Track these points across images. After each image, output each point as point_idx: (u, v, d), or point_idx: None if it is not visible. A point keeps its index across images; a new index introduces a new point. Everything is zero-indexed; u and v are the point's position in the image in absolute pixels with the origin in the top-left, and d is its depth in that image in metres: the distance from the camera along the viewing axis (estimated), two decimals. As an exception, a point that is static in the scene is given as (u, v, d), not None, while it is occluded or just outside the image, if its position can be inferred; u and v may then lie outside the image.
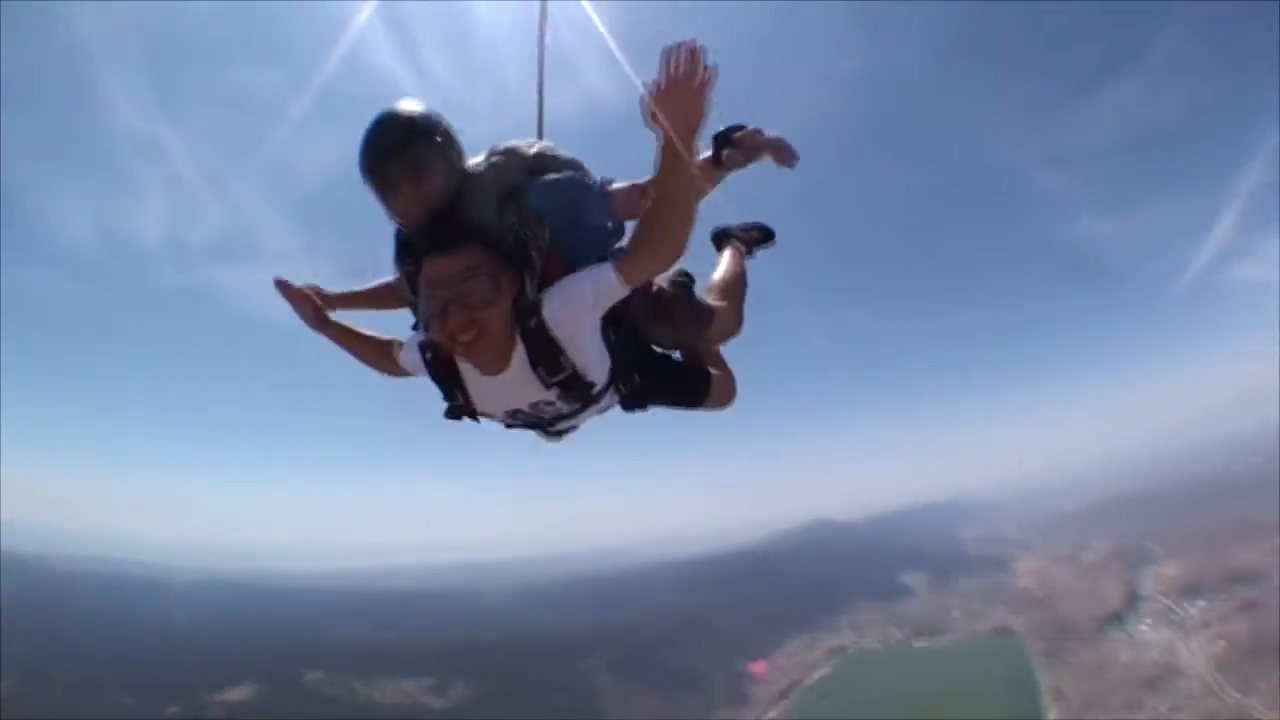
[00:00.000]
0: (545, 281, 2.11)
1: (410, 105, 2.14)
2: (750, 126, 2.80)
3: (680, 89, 1.79)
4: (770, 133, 2.79)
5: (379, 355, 2.58)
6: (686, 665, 75.68)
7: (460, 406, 2.32)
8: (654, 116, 1.83)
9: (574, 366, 2.15)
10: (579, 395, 2.25)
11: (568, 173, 2.29)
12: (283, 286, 2.58)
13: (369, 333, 2.66)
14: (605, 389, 2.37)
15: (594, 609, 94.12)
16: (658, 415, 2.76)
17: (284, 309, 2.64)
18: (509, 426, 2.51)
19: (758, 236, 3.34)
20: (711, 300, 2.87)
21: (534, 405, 2.30)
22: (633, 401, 2.58)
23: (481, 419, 2.42)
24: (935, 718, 56.45)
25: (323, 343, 2.68)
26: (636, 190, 2.37)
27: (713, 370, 2.90)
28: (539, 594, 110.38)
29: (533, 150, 2.30)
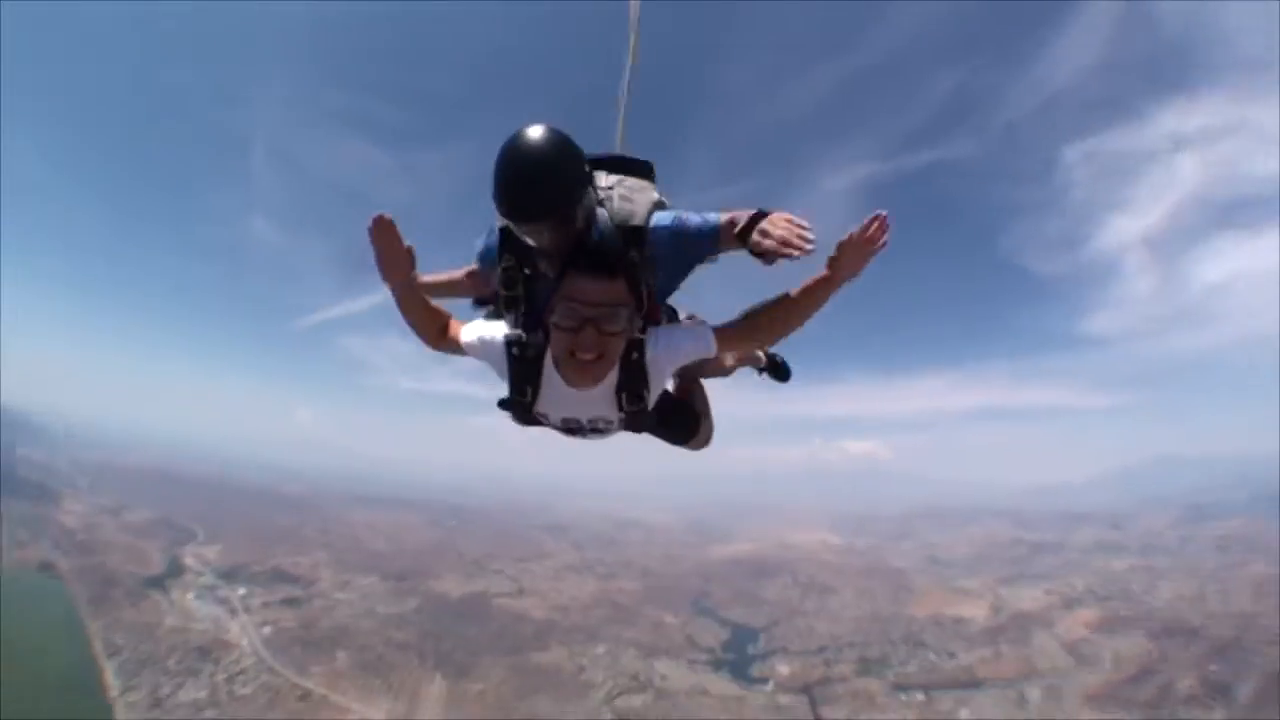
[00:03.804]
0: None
1: (557, 145, 2.07)
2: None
3: (865, 249, 2.19)
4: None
5: (433, 326, 2.49)
6: None
7: (519, 401, 2.42)
8: (839, 257, 2.19)
9: (648, 400, 2.46)
10: (635, 423, 2.57)
11: (681, 215, 2.41)
12: (385, 229, 2.17)
13: (434, 303, 2.51)
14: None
15: None
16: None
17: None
18: (555, 426, 2.62)
19: (778, 367, 3.79)
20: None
21: (592, 419, 2.52)
22: (634, 426, 2.74)
23: (530, 419, 2.54)
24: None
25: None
26: (730, 225, 2.29)
27: (703, 416, 3.24)
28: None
29: (655, 196, 2.53)
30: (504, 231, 2.35)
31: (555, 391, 2.39)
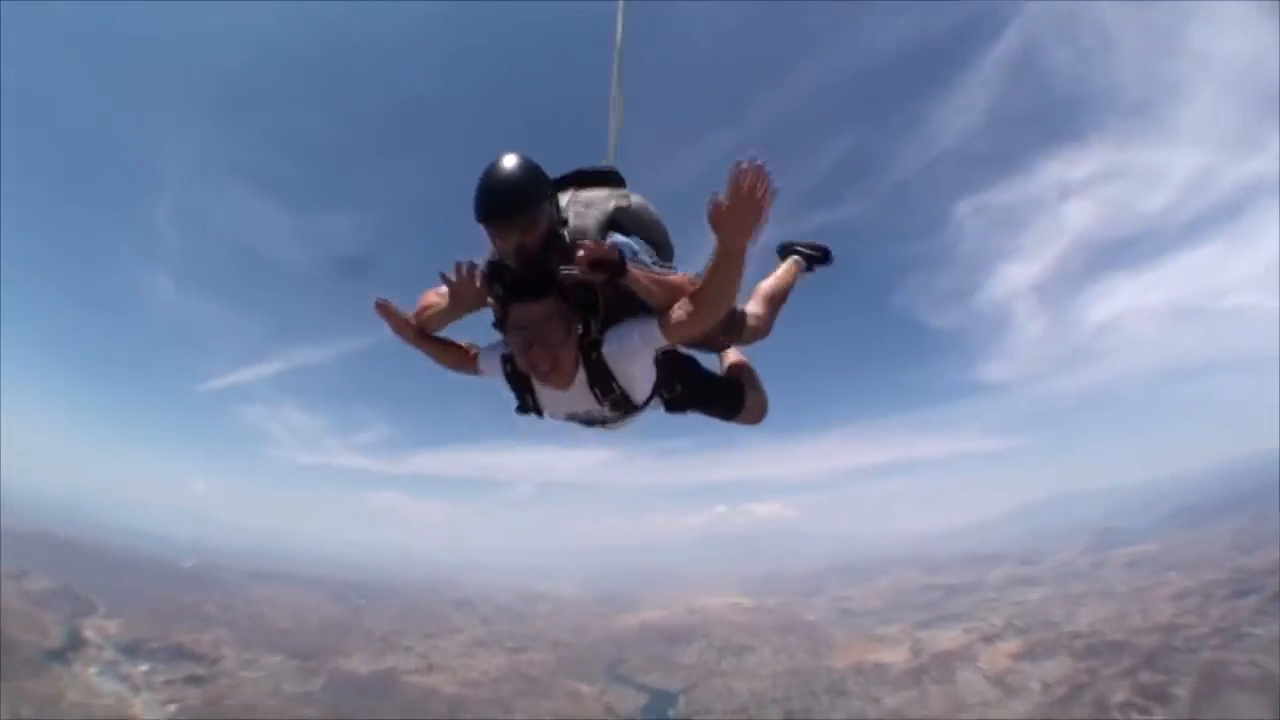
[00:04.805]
0: (608, 313, 2.68)
1: (525, 163, 2.57)
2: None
3: (746, 205, 2.14)
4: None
5: (461, 360, 3.02)
6: None
7: (526, 407, 2.92)
8: (717, 225, 2.21)
9: (621, 390, 2.78)
10: (623, 409, 2.90)
11: (633, 238, 2.82)
12: (385, 310, 2.87)
13: (453, 341, 3.05)
14: (646, 404, 2.99)
15: None
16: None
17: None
18: (568, 421, 3.06)
19: (819, 255, 3.84)
20: (752, 302, 3.48)
21: (588, 412, 2.93)
22: (675, 406, 3.20)
23: (545, 417, 3.01)
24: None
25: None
26: (668, 285, 2.64)
27: (748, 388, 3.43)
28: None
29: (611, 206, 2.87)
30: (491, 265, 2.76)
31: (547, 394, 2.85)
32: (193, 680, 59.13)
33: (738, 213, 2.16)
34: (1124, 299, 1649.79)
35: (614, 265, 2.51)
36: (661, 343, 2.66)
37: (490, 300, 2.76)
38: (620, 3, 3.37)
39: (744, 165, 2.09)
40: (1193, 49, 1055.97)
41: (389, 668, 72.12)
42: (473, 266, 2.66)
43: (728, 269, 2.35)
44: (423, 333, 2.96)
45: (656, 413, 3.24)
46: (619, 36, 3.38)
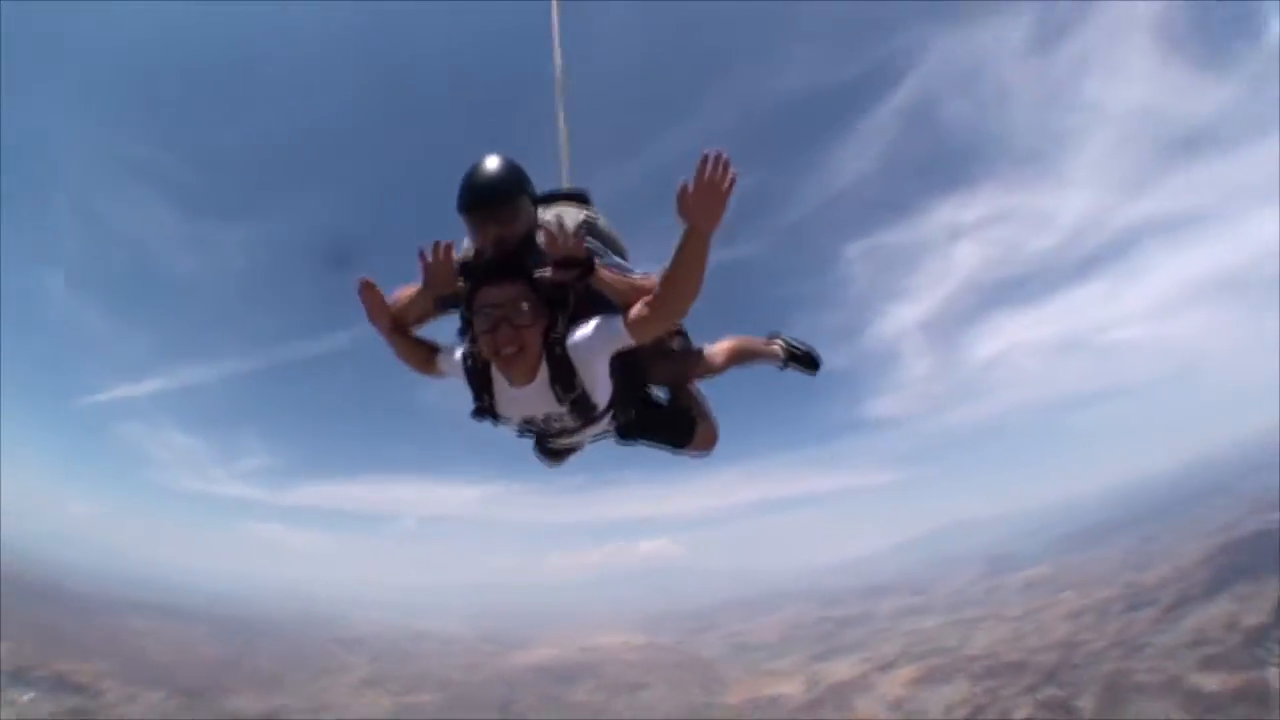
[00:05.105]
0: (576, 315, 2.73)
1: (507, 162, 2.70)
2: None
3: (711, 192, 2.24)
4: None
5: (422, 359, 2.96)
6: None
7: (485, 408, 2.88)
8: (685, 211, 2.27)
9: (584, 389, 2.75)
10: (584, 413, 2.86)
11: (597, 247, 2.89)
12: (367, 292, 2.80)
13: (421, 338, 3.00)
14: (605, 412, 2.98)
15: None
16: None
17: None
18: (520, 434, 3.07)
19: (804, 359, 3.83)
20: (719, 343, 3.53)
21: (546, 417, 2.88)
22: (626, 434, 3.23)
23: (500, 423, 2.97)
24: None
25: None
26: (635, 286, 2.72)
27: (699, 418, 3.42)
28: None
29: (582, 218, 3.03)
30: (463, 266, 2.76)
31: (506, 394, 2.82)
32: (76, 714, 59.59)
33: (703, 198, 2.25)
34: (1010, 335, 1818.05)
35: (585, 263, 2.66)
36: (626, 339, 2.66)
37: (460, 290, 2.75)
38: (557, 34, 3.53)
39: (709, 155, 2.21)
40: (1087, 101, 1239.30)
41: (278, 706, 73.04)
42: (449, 246, 2.66)
43: (692, 253, 2.38)
44: (397, 325, 2.94)
45: (596, 445, 3.29)
46: (558, 68, 3.55)
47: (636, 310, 2.63)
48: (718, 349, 3.51)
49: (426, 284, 2.78)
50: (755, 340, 3.78)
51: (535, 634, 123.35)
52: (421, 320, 3.00)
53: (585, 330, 2.70)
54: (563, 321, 2.70)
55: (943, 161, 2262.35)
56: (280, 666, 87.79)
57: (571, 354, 2.69)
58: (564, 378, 2.71)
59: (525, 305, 2.58)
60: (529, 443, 3.33)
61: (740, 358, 3.60)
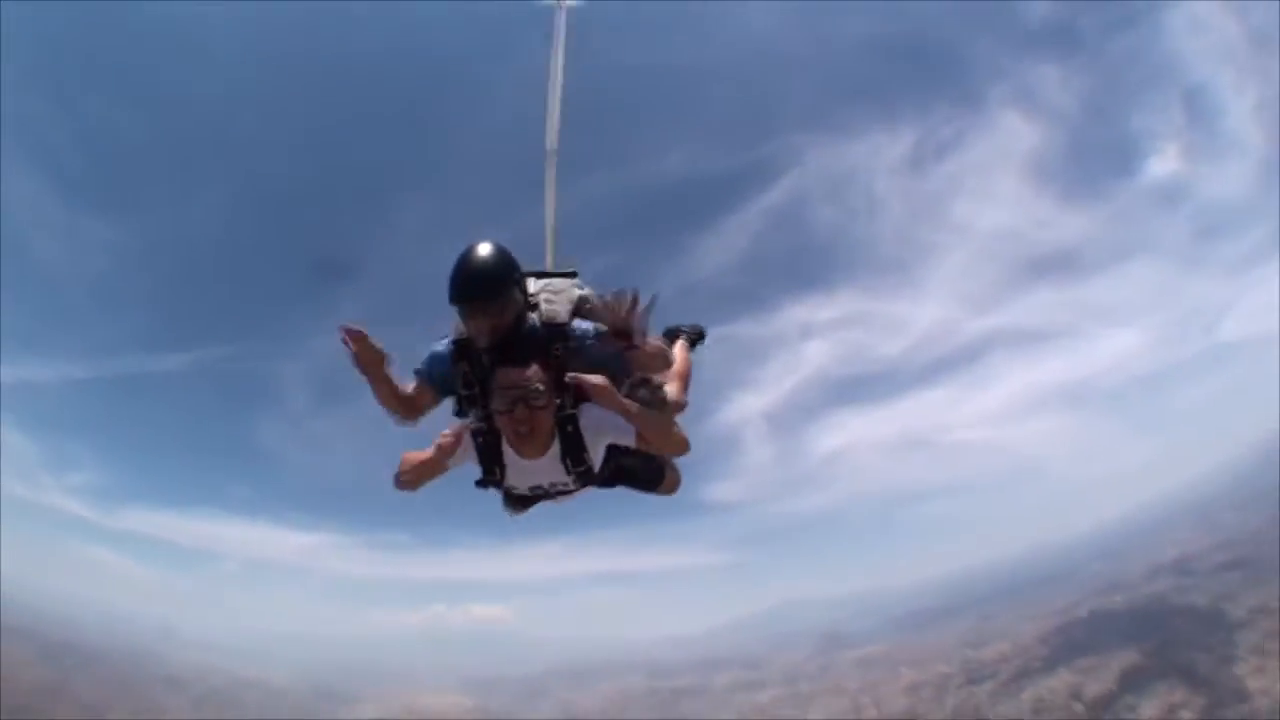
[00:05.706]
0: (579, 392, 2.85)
1: (498, 250, 2.86)
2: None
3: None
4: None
5: (404, 406, 3.11)
6: None
7: (491, 479, 3.05)
8: (637, 366, 2.60)
9: (591, 462, 2.99)
10: (585, 479, 3.11)
11: (597, 326, 2.97)
12: (359, 338, 2.89)
13: (401, 388, 3.11)
14: (601, 473, 3.20)
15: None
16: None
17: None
18: (523, 497, 3.25)
19: (699, 336, 4.23)
20: (669, 385, 3.70)
21: (552, 483, 3.11)
22: (609, 481, 3.42)
23: (505, 489, 3.14)
24: None
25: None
26: (662, 354, 3.05)
27: (667, 465, 3.66)
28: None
29: (575, 294, 3.19)
30: (457, 344, 2.98)
31: (515, 466, 2.99)
32: None
33: (646, 354, 2.56)
34: (854, 431, 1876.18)
35: (637, 335, 2.79)
36: (632, 441, 2.90)
37: (462, 378, 2.96)
38: (555, 100, 3.50)
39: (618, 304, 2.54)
40: (954, 220, 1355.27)
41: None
42: (359, 331, 2.87)
43: (664, 416, 2.88)
44: (394, 388, 3.06)
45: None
46: (552, 138, 3.58)
47: (674, 392, 3.26)
48: (672, 389, 3.60)
49: (358, 366, 2.92)
50: (672, 351, 3.78)
51: (363, 690, 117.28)
52: (429, 408, 3.20)
53: (600, 416, 2.89)
54: (568, 399, 2.87)
55: (803, 262, 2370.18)
56: (104, 698, 77.37)
57: (585, 432, 2.91)
58: (575, 453, 2.94)
59: (540, 386, 2.72)
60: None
61: (686, 377, 3.83)
